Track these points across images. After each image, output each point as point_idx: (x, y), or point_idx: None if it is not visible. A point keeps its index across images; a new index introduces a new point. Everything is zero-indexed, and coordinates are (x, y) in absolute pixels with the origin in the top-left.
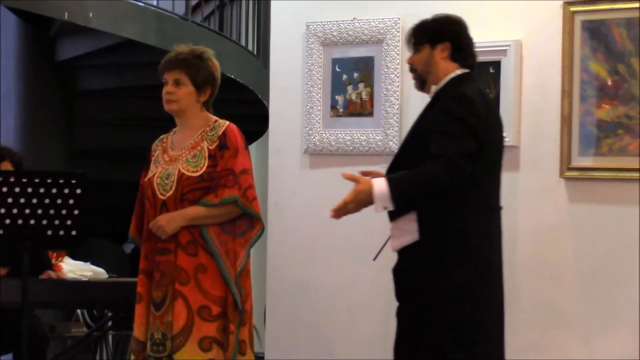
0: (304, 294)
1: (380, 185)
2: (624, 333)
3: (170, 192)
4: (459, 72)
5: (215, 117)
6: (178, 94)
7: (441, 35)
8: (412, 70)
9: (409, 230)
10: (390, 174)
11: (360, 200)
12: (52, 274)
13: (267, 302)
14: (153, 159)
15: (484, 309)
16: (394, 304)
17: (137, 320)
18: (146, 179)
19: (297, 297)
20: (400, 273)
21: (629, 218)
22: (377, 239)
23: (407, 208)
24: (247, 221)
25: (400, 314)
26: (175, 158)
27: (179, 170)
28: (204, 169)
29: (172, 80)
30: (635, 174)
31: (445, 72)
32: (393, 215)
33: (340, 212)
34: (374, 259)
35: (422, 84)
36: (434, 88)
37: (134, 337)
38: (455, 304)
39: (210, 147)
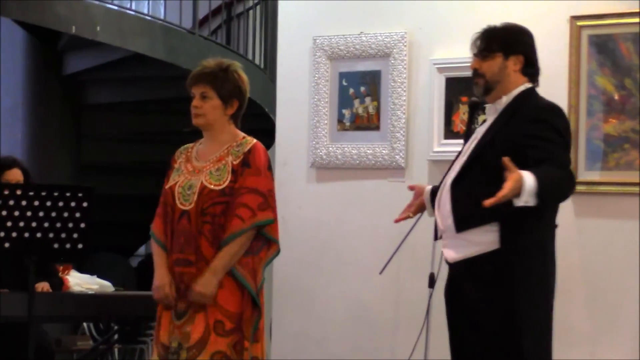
0: (310, 307)
1: (529, 179)
2: (630, 346)
3: (192, 205)
4: (528, 85)
5: (243, 134)
6: (204, 107)
7: (516, 46)
8: (478, 75)
9: (480, 242)
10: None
11: (514, 191)
12: (45, 286)
13: (273, 315)
14: (176, 166)
15: (551, 317)
16: (401, 316)
17: (164, 326)
18: (167, 187)
19: (303, 310)
20: (472, 282)
21: (635, 232)
22: (383, 253)
23: (490, 219)
24: (261, 240)
25: (473, 322)
26: (199, 169)
27: (202, 182)
28: (226, 183)
29: (199, 94)
30: None
31: (515, 85)
32: (463, 226)
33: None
34: (381, 273)
35: (487, 91)
36: (504, 99)
37: (160, 343)
38: (537, 312)
39: (235, 162)
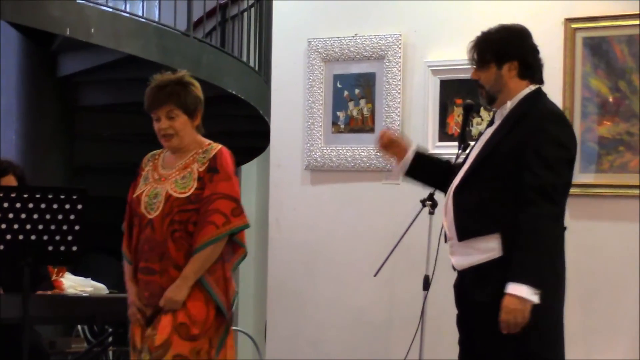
0: (305, 309)
1: (522, 294)
2: (625, 348)
3: (157, 212)
4: (532, 87)
5: (208, 140)
6: (175, 126)
7: (507, 54)
8: (480, 86)
9: (485, 249)
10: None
11: (519, 319)
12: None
13: (268, 317)
14: (143, 174)
15: (561, 319)
16: (395, 318)
17: (137, 334)
18: (135, 196)
19: (297, 312)
20: (481, 289)
21: (630, 234)
22: (377, 255)
23: (490, 229)
24: (230, 246)
25: (483, 328)
26: (165, 178)
27: (167, 191)
28: (192, 191)
29: (165, 115)
30: (636, 191)
31: (516, 90)
32: (467, 235)
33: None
34: (375, 275)
35: (491, 101)
36: (509, 104)
37: (137, 350)
38: (546, 317)
39: (200, 169)
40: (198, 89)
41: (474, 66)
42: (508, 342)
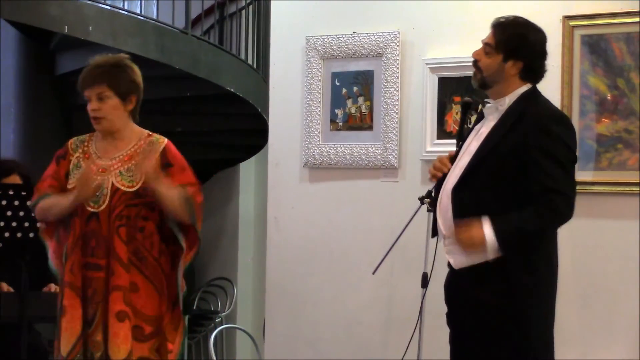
0: (303, 307)
1: (490, 236)
2: (623, 347)
3: (104, 206)
4: (529, 85)
5: (147, 131)
6: (104, 109)
7: (517, 52)
8: (476, 67)
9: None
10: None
11: (472, 246)
12: (52, 286)
13: (266, 315)
14: (73, 160)
15: (553, 317)
16: (393, 317)
17: (62, 334)
18: (70, 187)
19: (295, 310)
20: (478, 289)
21: (629, 232)
22: (376, 253)
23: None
24: (188, 240)
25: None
26: (105, 169)
27: (113, 183)
28: (139, 184)
29: (95, 96)
30: (635, 188)
31: (514, 87)
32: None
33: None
34: (374, 273)
35: (482, 86)
36: (507, 100)
37: (61, 351)
38: (540, 316)
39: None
40: (136, 74)
41: (487, 45)
42: (503, 340)
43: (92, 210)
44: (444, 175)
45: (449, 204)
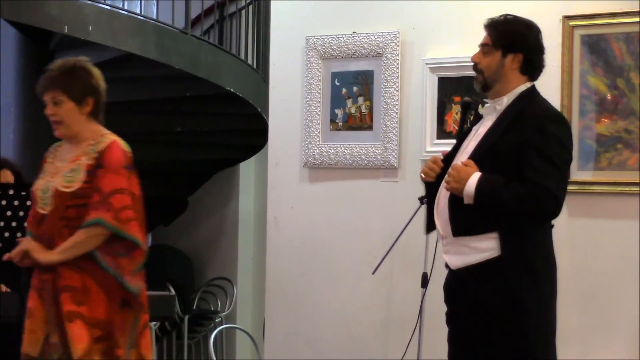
0: (303, 307)
1: (471, 182)
2: (623, 347)
3: (50, 208)
4: (528, 84)
5: (104, 131)
6: (59, 113)
7: (514, 45)
8: (477, 70)
9: (482, 249)
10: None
11: (459, 182)
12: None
13: (266, 315)
14: (45, 166)
15: (555, 317)
16: (393, 316)
17: (27, 336)
18: (33, 189)
19: (295, 310)
20: (476, 289)
21: (628, 232)
22: (376, 253)
23: (488, 227)
24: (127, 245)
25: (477, 328)
26: (56, 171)
27: (55, 185)
28: (78, 185)
29: (51, 101)
30: (635, 188)
31: (514, 84)
32: (461, 232)
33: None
34: (374, 273)
35: (485, 88)
36: (505, 100)
37: (24, 353)
38: (541, 315)
39: (89, 162)
40: (92, 76)
41: (480, 47)
42: (503, 340)
43: (42, 212)
44: (440, 176)
45: (447, 204)
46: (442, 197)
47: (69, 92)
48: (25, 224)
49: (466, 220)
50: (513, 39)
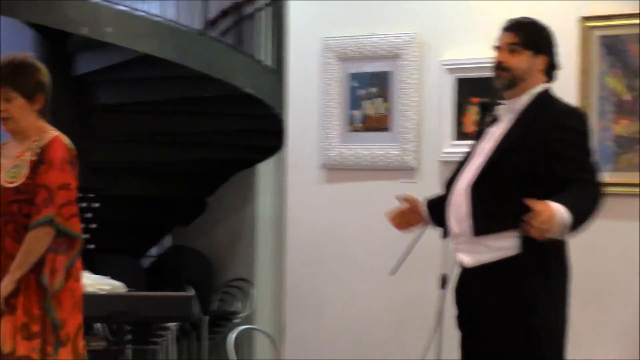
0: (322, 308)
1: (560, 214)
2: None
3: None
4: (545, 85)
5: (49, 128)
6: (10, 110)
7: (544, 46)
8: (502, 68)
9: (498, 247)
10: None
11: (548, 222)
12: None
13: (286, 317)
14: None
15: (567, 322)
16: (413, 317)
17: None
18: None
19: (315, 311)
20: (489, 288)
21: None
22: (394, 254)
23: (508, 225)
24: (68, 241)
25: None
26: (2, 168)
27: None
28: (21, 180)
29: (2, 97)
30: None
31: (534, 84)
32: (482, 231)
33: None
34: (393, 274)
35: (510, 86)
36: (523, 99)
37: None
38: (558, 318)
39: (32, 159)
40: (41, 73)
41: (503, 48)
42: (513, 343)
43: None
44: (451, 181)
45: (463, 201)
46: (457, 195)
47: (20, 89)
48: None
49: (488, 219)
50: (539, 39)
